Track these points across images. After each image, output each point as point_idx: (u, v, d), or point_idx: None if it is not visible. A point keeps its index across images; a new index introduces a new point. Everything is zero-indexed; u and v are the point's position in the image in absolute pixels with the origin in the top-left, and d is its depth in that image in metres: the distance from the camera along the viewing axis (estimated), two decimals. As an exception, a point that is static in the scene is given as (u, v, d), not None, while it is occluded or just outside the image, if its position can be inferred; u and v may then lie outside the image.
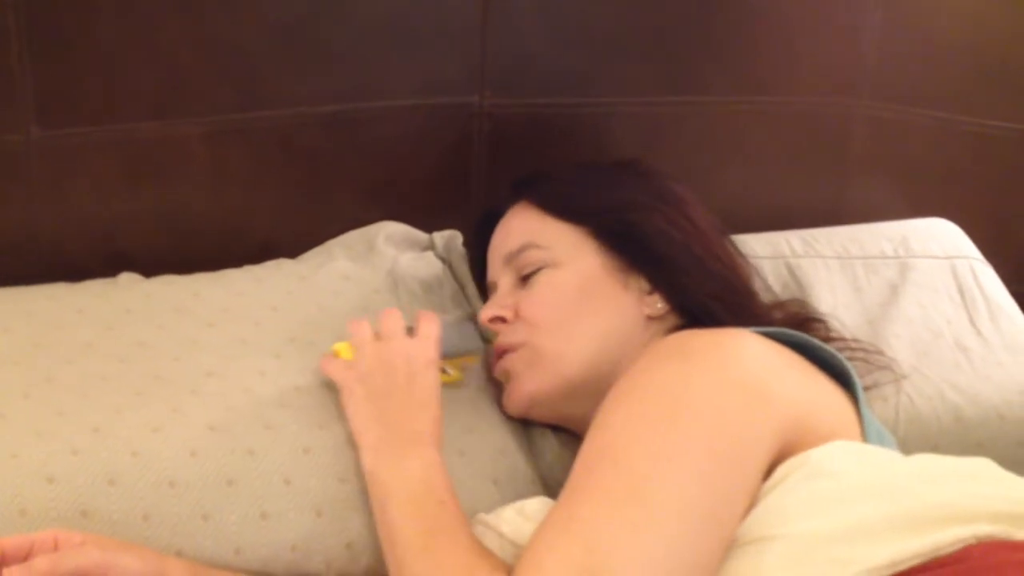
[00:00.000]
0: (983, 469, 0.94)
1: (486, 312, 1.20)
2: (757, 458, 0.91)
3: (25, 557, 0.89)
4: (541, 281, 1.18)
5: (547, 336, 1.15)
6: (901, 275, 1.43)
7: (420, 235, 1.40)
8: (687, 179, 1.45)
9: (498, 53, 1.38)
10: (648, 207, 1.21)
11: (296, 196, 1.38)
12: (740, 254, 1.27)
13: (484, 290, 1.31)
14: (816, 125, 1.53)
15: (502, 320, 1.18)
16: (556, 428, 1.22)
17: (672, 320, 1.17)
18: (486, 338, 1.20)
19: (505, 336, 1.18)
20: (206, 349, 1.18)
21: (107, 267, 1.28)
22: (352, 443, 1.09)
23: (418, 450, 1.05)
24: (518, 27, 1.38)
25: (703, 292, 1.17)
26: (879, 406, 1.27)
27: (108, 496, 1.01)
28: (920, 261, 1.45)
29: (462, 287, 1.36)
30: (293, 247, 1.36)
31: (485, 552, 0.98)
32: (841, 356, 1.06)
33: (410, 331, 1.13)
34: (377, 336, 1.13)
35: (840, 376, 1.06)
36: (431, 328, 1.14)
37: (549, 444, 1.21)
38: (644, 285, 1.18)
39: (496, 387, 1.24)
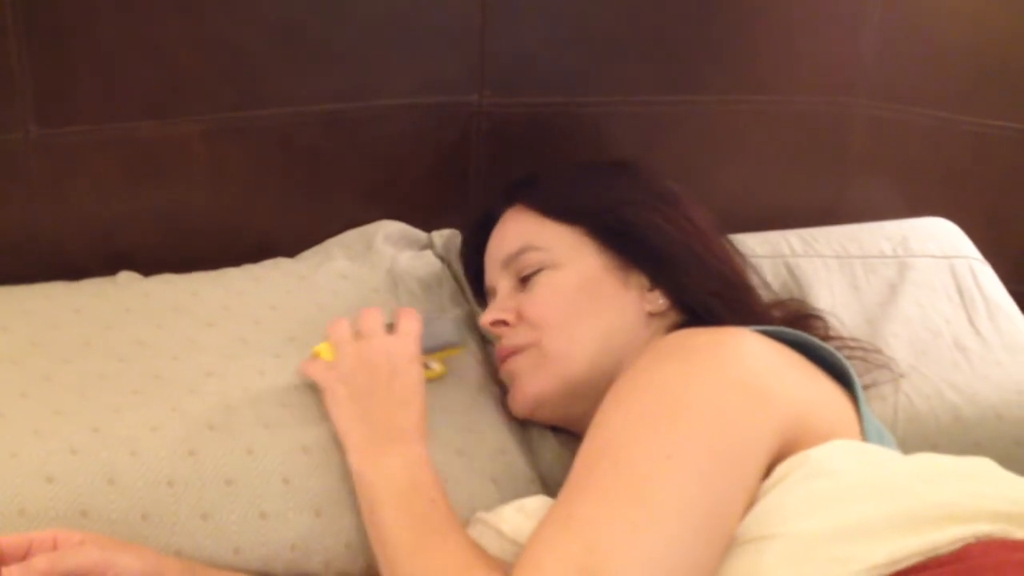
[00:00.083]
0: (983, 468, 0.94)
1: (487, 316, 1.20)
2: (757, 457, 0.91)
3: (24, 556, 0.90)
4: (542, 282, 1.18)
5: (552, 336, 1.15)
6: (900, 274, 1.43)
7: (419, 234, 1.40)
8: (686, 178, 1.45)
9: (497, 52, 1.38)
10: (645, 204, 1.21)
11: (295, 195, 1.37)
12: (737, 252, 1.27)
13: (480, 296, 1.32)
14: (815, 125, 1.53)
15: (504, 323, 1.18)
16: (556, 428, 1.22)
17: (673, 317, 1.17)
18: (488, 339, 1.20)
19: (509, 338, 1.17)
20: (205, 348, 1.18)
21: (106, 266, 1.28)
22: (348, 443, 1.09)
23: (404, 448, 1.05)
24: (517, 27, 1.38)
25: (703, 288, 1.17)
26: (878, 405, 1.27)
27: (107, 495, 1.01)
28: (919, 260, 1.45)
29: (461, 286, 1.36)
30: (292, 246, 1.36)
31: (480, 551, 0.98)
32: (840, 355, 1.06)
33: (390, 328, 1.13)
34: (357, 335, 1.12)
35: (840, 375, 1.06)
36: (411, 324, 1.13)
37: (549, 444, 1.22)
38: (644, 282, 1.18)
39: (497, 386, 1.25)
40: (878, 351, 1.31)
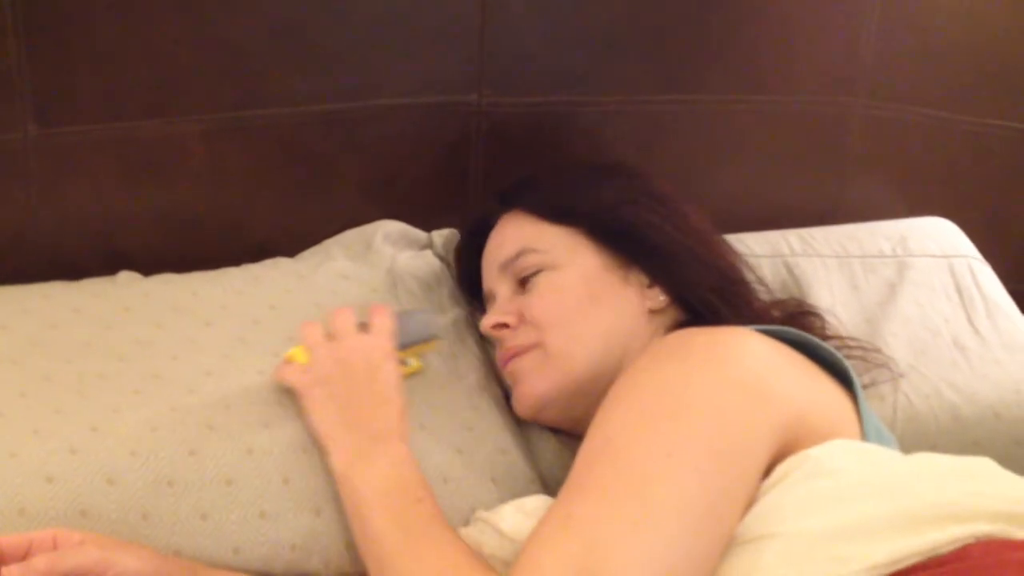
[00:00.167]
0: (983, 468, 0.94)
1: (488, 320, 1.20)
2: (756, 456, 0.91)
3: (24, 556, 0.90)
4: (542, 283, 1.18)
5: (554, 335, 1.14)
6: (899, 274, 1.44)
7: (418, 234, 1.40)
8: (686, 178, 1.46)
9: (496, 52, 1.38)
10: (640, 204, 1.22)
11: (295, 195, 1.37)
12: (733, 250, 1.28)
13: (475, 303, 1.32)
14: (814, 124, 1.53)
15: (505, 326, 1.18)
16: (557, 429, 1.22)
17: (673, 314, 1.18)
18: (489, 342, 1.20)
19: (512, 340, 1.17)
20: (205, 348, 1.18)
21: (105, 266, 1.28)
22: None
23: (388, 447, 1.05)
24: (517, 26, 1.38)
25: (701, 284, 1.18)
26: (877, 405, 1.27)
27: (107, 495, 1.01)
28: (918, 260, 1.46)
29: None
30: (292, 246, 1.36)
31: (471, 551, 0.98)
32: (840, 355, 1.06)
33: (363, 327, 1.12)
34: (330, 336, 1.12)
35: (840, 374, 1.06)
36: (384, 321, 1.13)
37: (549, 444, 1.22)
38: (643, 279, 1.18)
39: (497, 386, 1.25)
40: (877, 350, 1.31)
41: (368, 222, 1.38)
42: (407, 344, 1.16)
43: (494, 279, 1.23)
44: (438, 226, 1.41)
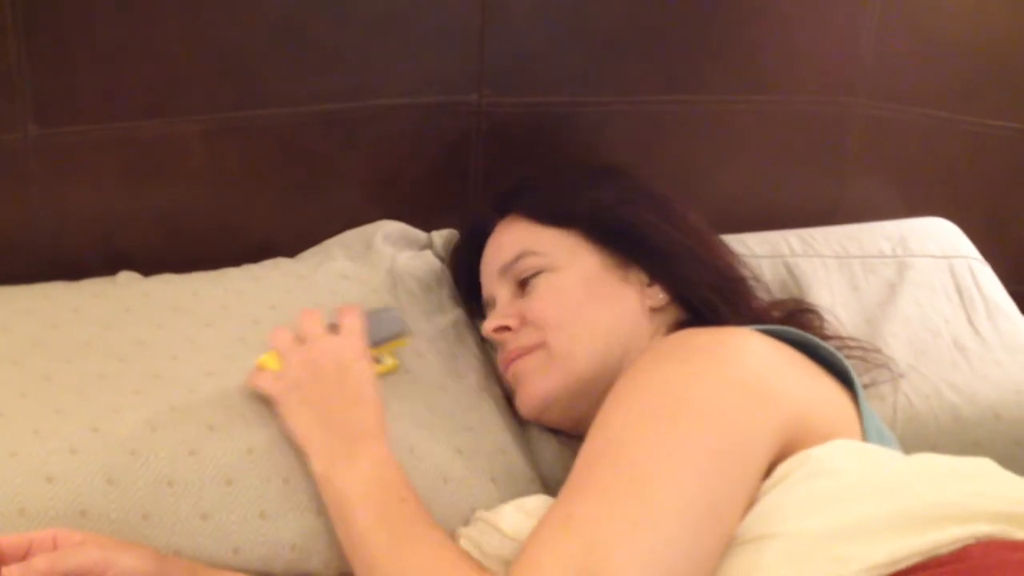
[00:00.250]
0: (983, 469, 0.94)
1: (489, 324, 1.20)
2: (757, 457, 0.91)
3: (24, 556, 0.89)
4: (543, 284, 1.18)
5: (557, 335, 1.14)
6: (899, 274, 1.44)
7: (418, 234, 1.40)
8: (686, 178, 1.47)
9: (496, 52, 1.38)
10: (637, 203, 1.23)
11: (295, 195, 1.37)
12: (731, 250, 1.28)
13: (473, 310, 1.32)
14: (814, 124, 1.53)
15: (507, 329, 1.18)
16: (557, 430, 1.22)
17: (674, 312, 1.18)
18: (489, 343, 1.20)
19: (514, 342, 1.17)
20: (205, 348, 1.18)
21: (105, 266, 1.28)
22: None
23: (365, 447, 1.04)
24: (516, 26, 1.38)
25: (700, 281, 1.18)
26: (877, 405, 1.27)
27: (107, 495, 1.01)
28: (918, 260, 1.45)
29: (461, 286, 1.36)
30: (292, 246, 1.36)
31: (461, 550, 0.98)
32: (840, 354, 1.06)
33: (333, 328, 1.12)
34: (300, 340, 1.11)
35: (840, 374, 1.06)
36: (353, 321, 1.12)
37: (549, 444, 1.22)
38: (643, 278, 1.18)
39: (497, 386, 1.25)
40: (877, 350, 1.31)
41: (368, 222, 1.38)
42: (378, 342, 1.15)
43: (494, 284, 1.23)
44: (438, 226, 1.41)
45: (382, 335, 1.16)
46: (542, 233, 1.21)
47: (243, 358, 1.16)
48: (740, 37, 1.46)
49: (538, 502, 1.07)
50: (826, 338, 1.22)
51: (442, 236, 1.40)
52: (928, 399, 1.31)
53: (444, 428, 1.16)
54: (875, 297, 1.41)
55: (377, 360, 1.16)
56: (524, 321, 1.17)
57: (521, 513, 1.05)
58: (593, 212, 1.21)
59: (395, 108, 1.36)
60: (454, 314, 1.31)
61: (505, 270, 1.21)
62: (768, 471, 0.92)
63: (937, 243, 1.49)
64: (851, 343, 1.28)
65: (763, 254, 1.42)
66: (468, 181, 1.44)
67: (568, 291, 1.17)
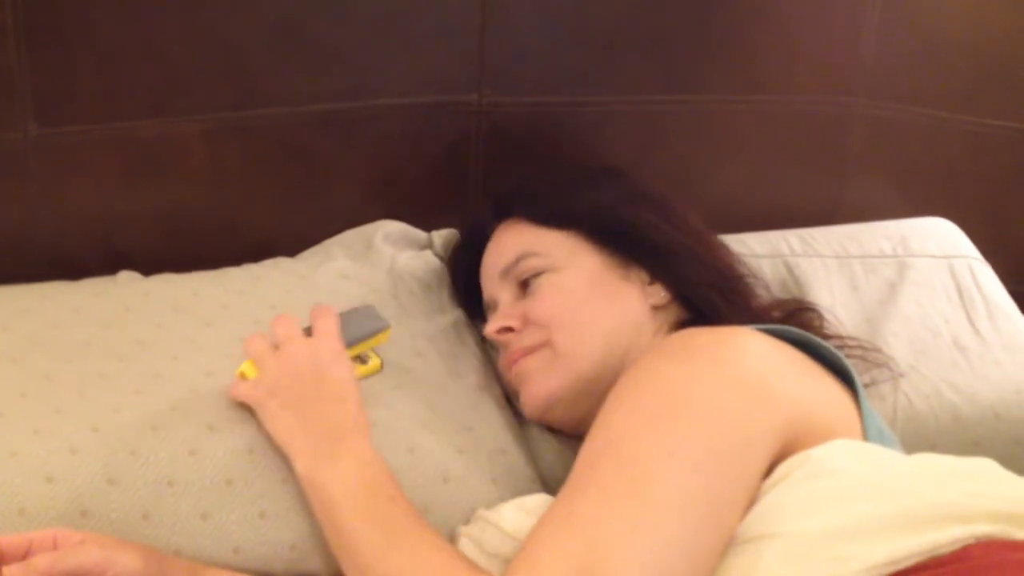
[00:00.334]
0: (984, 469, 0.94)
1: (492, 325, 1.19)
2: (757, 456, 0.91)
3: (24, 556, 0.89)
4: (546, 284, 1.18)
5: (561, 333, 1.14)
6: (899, 274, 1.44)
7: (418, 233, 1.40)
8: (686, 178, 1.47)
9: (496, 51, 1.38)
10: (636, 203, 1.23)
11: (294, 194, 1.37)
12: (729, 250, 1.28)
13: (473, 314, 1.32)
14: (814, 124, 1.53)
15: (510, 330, 1.18)
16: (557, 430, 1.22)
17: (675, 311, 1.18)
18: (489, 343, 1.20)
19: (518, 342, 1.17)
20: (205, 348, 1.17)
21: (105, 265, 1.28)
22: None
23: (348, 446, 1.03)
24: (517, 26, 1.38)
25: (701, 280, 1.18)
26: (877, 404, 1.27)
27: (107, 495, 1.01)
28: (918, 260, 1.46)
29: (461, 286, 1.36)
30: (292, 246, 1.36)
31: (454, 549, 0.97)
32: (840, 354, 1.07)
33: (308, 331, 1.11)
34: (276, 346, 1.11)
35: (841, 373, 1.06)
36: (328, 322, 1.12)
37: (549, 444, 1.22)
38: (644, 277, 1.19)
39: (498, 386, 1.25)
40: (877, 350, 1.31)
41: (368, 222, 1.38)
42: (357, 340, 1.15)
43: (495, 286, 1.23)
44: (438, 226, 1.41)
45: (359, 333, 1.15)
46: (542, 235, 1.21)
47: (243, 358, 1.16)
48: (740, 37, 1.46)
49: (539, 501, 1.07)
50: (826, 337, 1.22)
51: (442, 236, 1.40)
52: (928, 399, 1.31)
53: (444, 428, 1.16)
54: (875, 297, 1.41)
55: (360, 360, 1.16)
56: (527, 322, 1.17)
57: (522, 512, 1.05)
58: (593, 213, 1.21)
59: (395, 108, 1.36)
60: (454, 314, 1.31)
61: (507, 272, 1.21)
62: (769, 471, 0.92)
63: (937, 243, 1.49)
64: (851, 342, 1.28)
65: (763, 254, 1.42)
66: (468, 181, 1.44)
67: (571, 290, 1.17)
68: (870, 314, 1.38)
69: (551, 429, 1.22)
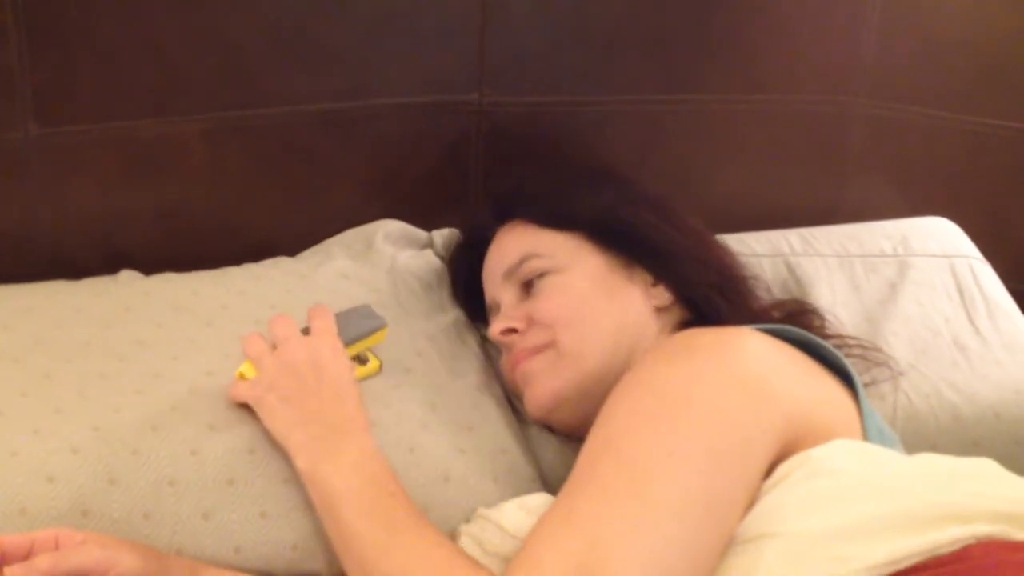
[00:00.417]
0: (984, 469, 0.94)
1: (496, 326, 1.19)
2: (758, 456, 0.91)
3: (26, 556, 0.89)
4: (549, 285, 1.18)
5: (567, 334, 1.14)
6: (900, 273, 1.44)
7: (419, 233, 1.40)
8: (686, 178, 1.47)
9: (497, 51, 1.38)
10: (638, 204, 1.23)
11: (295, 194, 1.37)
12: (729, 251, 1.29)
13: (474, 317, 1.32)
14: (814, 124, 1.53)
15: (514, 331, 1.18)
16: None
17: (678, 312, 1.18)
18: (490, 342, 1.20)
19: (522, 343, 1.17)
20: (205, 348, 1.17)
21: (106, 265, 1.28)
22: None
23: (349, 441, 1.03)
24: (517, 26, 1.38)
25: (704, 281, 1.19)
26: (877, 404, 1.28)
27: (108, 495, 1.01)
28: (919, 260, 1.46)
29: (462, 285, 1.36)
30: (292, 245, 1.36)
31: (454, 546, 0.97)
32: (840, 354, 1.07)
33: (306, 331, 1.12)
34: (274, 345, 1.11)
35: (841, 373, 1.06)
36: (325, 321, 1.12)
37: (549, 443, 1.22)
38: (647, 278, 1.19)
39: (498, 386, 1.25)
40: (877, 349, 1.31)
41: (368, 221, 1.38)
42: (354, 339, 1.15)
43: (498, 288, 1.22)
44: (438, 225, 1.41)
45: (357, 332, 1.15)
46: (545, 236, 1.21)
47: (243, 358, 1.16)
48: (740, 37, 1.46)
49: (540, 500, 1.07)
50: (826, 337, 1.23)
51: (443, 235, 1.40)
52: (928, 398, 1.31)
53: (445, 427, 1.16)
54: (876, 296, 1.41)
55: (359, 360, 1.16)
56: (531, 322, 1.17)
57: (523, 511, 1.05)
58: (596, 214, 1.21)
59: (395, 108, 1.36)
60: (455, 313, 1.31)
61: (510, 273, 1.21)
62: (769, 471, 0.92)
63: (938, 242, 1.49)
64: (851, 342, 1.28)
65: (764, 253, 1.43)
66: (468, 180, 1.44)
67: (575, 290, 1.17)
68: (871, 313, 1.38)
69: (552, 429, 1.22)
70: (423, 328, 1.26)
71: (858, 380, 1.05)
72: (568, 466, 0.93)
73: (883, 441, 1.01)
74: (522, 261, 1.20)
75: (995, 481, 0.93)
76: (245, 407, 1.10)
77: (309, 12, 1.29)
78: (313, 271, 1.30)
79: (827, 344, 1.07)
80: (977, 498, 0.88)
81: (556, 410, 1.15)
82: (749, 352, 0.97)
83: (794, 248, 1.45)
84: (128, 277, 1.27)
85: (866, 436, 1.00)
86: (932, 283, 1.43)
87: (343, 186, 1.39)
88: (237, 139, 1.32)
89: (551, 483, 1.19)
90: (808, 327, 1.21)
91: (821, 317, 1.29)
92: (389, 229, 1.37)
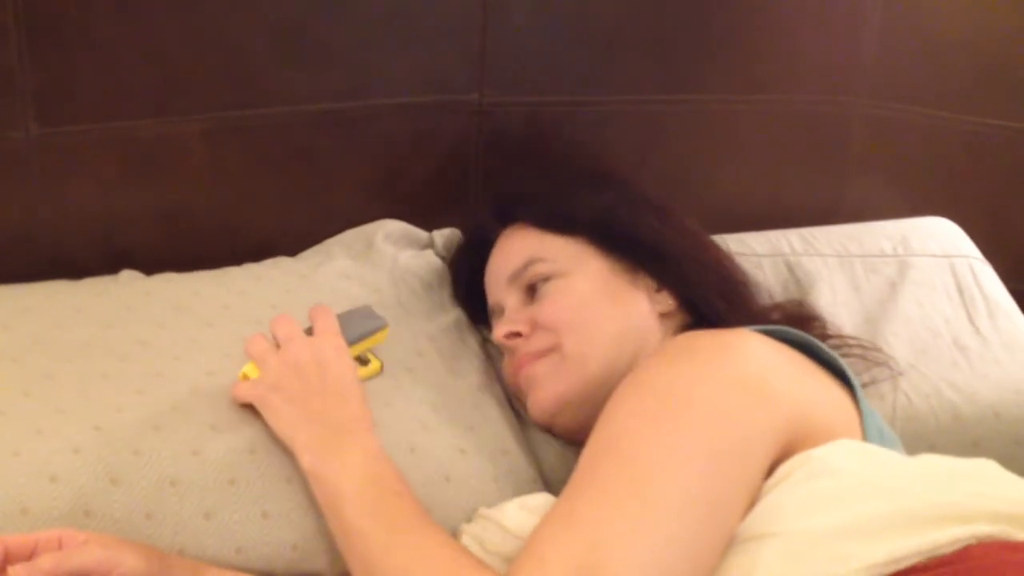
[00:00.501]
0: (984, 469, 0.94)
1: (500, 330, 1.19)
2: (758, 456, 0.92)
3: (29, 556, 0.89)
4: (553, 289, 1.18)
5: (572, 338, 1.14)
6: (900, 273, 1.44)
7: (420, 233, 1.40)
8: (686, 178, 1.47)
9: (497, 51, 1.38)
10: (640, 210, 1.23)
11: (295, 194, 1.37)
12: (729, 255, 1.29)
13: (475, 318, 1.32)
14: (815, 124, 1.53)
15: (518, 335, 1.18)
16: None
17: (681, 317, 1.19)
18: (491, 343, 1.20)
19: (526, 347, 1.17)
20: (206, 348, 1.17)
21: (106, 265, 1.28)
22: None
23: (354, 440, 1.03)
24: (517, 25, 1.38)
25: (707, 287, 1.19)
26: (876, 404, 1.27)
27: (110, 495, 1.00)
28: (919, 260, 1.46)
29: (462, 285, 1.36)
30: (292, 245, 1.36)
31: (459, 546, 0.97)
32: (838, 357, 1.07)
33: (308, 331, 1.12)
34: (277, 345, 1.11)
35: (840, 374, 1.06)
36: (327, 321, 1.12)
37: (550, 444, 1.22)
38: (651, 284, 1.19)
39: (499, 386, 1.25)
40: (877, 349, 1.31)
41: (369, 221, 1.38)
42: (356, 340, 1.15)
43: (502, 291, 1.22)
44: (439, 225, 1.41)
45: (358, 333, 1.15)
46: (549, 240, 1.21)
47: (244, 358, 1.16)
48: (740, 37, 1.46)
49: (541, 499, 1.07)
50: (826, 338, 1.23)
51: (443, 235, 1.40)
52: (928, 398, 1.31)
53: (446, 427, 1.16)
54: (876, 296, 1.41)
55: (360, 361, 1.16)
56: (535, 326, 1.17)
57: (524, 510, 1.05)
58: (599, 219, 1.21)
59: (396, 107, 1.36)
60: (455, 313, 1.31)
61: (514, 277, 1.21)
62: (770, 471, 0.92)
63: (938, 242, 1.49)
64: (851, 342, 1.29)
65: (764, 253, 1.43)
66: (468, 181, 1.44)
67: (580, 295, 1.17)
68: (871, 313, 1.38)
69: (553, 434, 1.22)
70: (424, 328, 1.26)
71: (856, 381, 1.06)
72: (569, 467, 0.94)
73: (883, 442, 1.01)
74: (527, 265, 1.20)
75: (995, 481, 0.94)
76: (247, 407, 1.09)
77: (309, 12, 1.29)
78: (314, 271, 1.30)
79: (824, 346, 1.07)
80: (977, 498, 0.89)
81: (560, 414, 1.15)
82: (749, 353, 0.97)
83: (794, 248, 1.45)
84: (129, 277, 1.27)
85: (866, 436, 1.00)
86: (932, 283, 1.43)
87: (343, 186, 1.39)
88: (237, 139, 1.32)
89: (552, 484, 1.19)
90: (807, 328, 1.21)
91: (820, 318, 1.29)
92: (390, 229, 1.37)
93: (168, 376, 1.13)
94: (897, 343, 1.35)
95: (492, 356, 1.29)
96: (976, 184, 1.57)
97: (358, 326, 1.16)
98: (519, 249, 1.22)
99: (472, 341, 1.29)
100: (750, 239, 1.44)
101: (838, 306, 1.37)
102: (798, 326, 1.16)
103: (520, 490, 1.15)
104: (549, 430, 1.20)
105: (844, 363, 1.06)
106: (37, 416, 1.06)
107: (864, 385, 1.24)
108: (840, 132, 1.54)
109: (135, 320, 1.20)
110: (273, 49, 1.29)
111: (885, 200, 1.57)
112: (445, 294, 1.33)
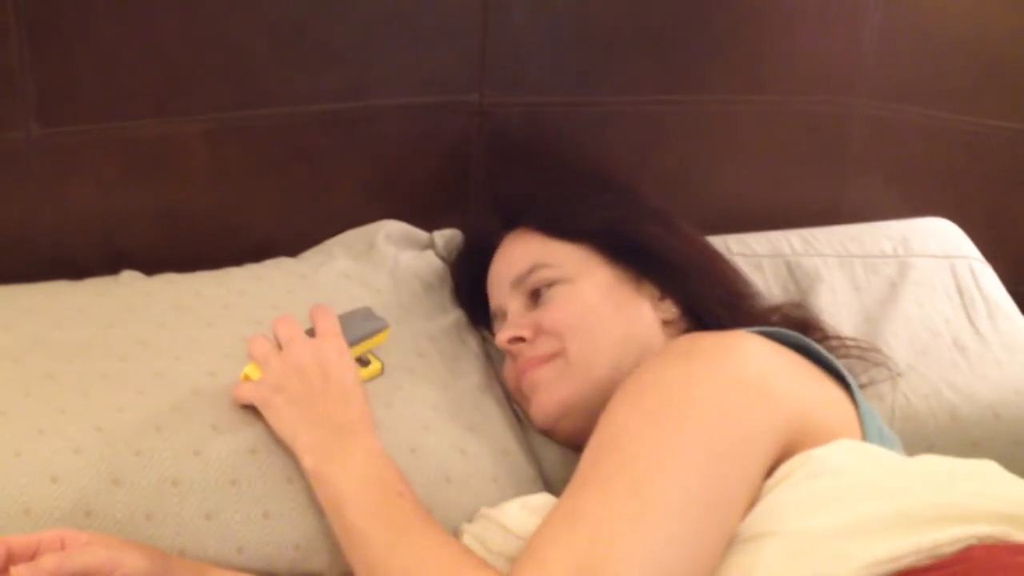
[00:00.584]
0: (985, 470, 0.94)
1: (504, 334, 1.19)
2: (758, 456, 0.92)
3: (32, 556, 0.89)
4: (559, 294, 1.18)
5: (576, 343, 1.14)
6: (900, 274, 1.44)
7: (420, 234, 1.40)
8: (686, 178, 1.47)
9: (497, 52, 1.38)
10: (645, 220, 1.24)
11: (295, 194, 1.37)
12: (730, 264, 1.29)
13: (476, 320, 1.32)
14: (815, 125, 1.53)
15: (521, 339, 1.18)
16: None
17: (684, 325, 1.19)
18: (491, 343, 1.20)
19: (530, 351, 1.17)
20: (207, 348, 1.17)
21: (107, 265, 1.28)
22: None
23: (356, 441, 1.03)
24: (518, 26, 1.38)
25: (711, 295, 1.19)
26: (875, 404, 1.27)
27: (112, 495, 1.01)
28: (919, 260, 1.46)
29: (463, 286, 1.36)
30: (293, 246, 1.36)
31: (462, 546, 0.97)
32: (833, 357, 1.07)
33: (310, 333, 1.12)
34: (278, 346, 1.11)
35: (839, 375, 1.06)
36: (329, 322, 1.12)
37: (551, 444, 1.21)
38: (655, 292, 1.19)
39: (500, 386, 1.25)
40: (876, 350, 1.31)
41: (369, 222, 1.38)
42: (357, 341, 1.15)
43: (505, 296, 1.22)
44: (439, 226, 1.41)
45: (359, 334, 1.16)
46: (553, 246, 1.21)
47: (245, 358, 1.16)
48: (740, 37, 1.46)
49: (543, 499, 1.07)
50: (826, 338, 1.23)
51: (444, 236, 1.40)
52: (927, 399, 1.31)
53: (446, 428, 1.16)
54: (876, 297, 1.41)
55: (361, 362, 1.16)
56: (539, 331, 1.17)
57: (525, 510, 1.05)
58: (604, 227, 1.22)
59: (396, 108, 1.36)
60: (456, 314, 1.31)
61: (518, 282, 1.21)
62: (770, 470, 0.93)
63: (938, 243, 1.49)
64: (850, 343, 1.29)
65: (764, 253, 1.43)
66: (469, 181, 1.44)
67: (584, 300, 1.17)
68: (871, 314, 1.39)
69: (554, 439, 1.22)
70: (424, 329, 1.26)
71: (854, 383, 1.06)
72: (570, 468, 0.94)
73: (883, 442, 1.01)
74: (531, 270, 1.20)
75: (995, 482, 0.94)
76: (248, 407, 1.10)
77: (309, 12, 1.29)
78: (314, 271, 1.30)
79: (821, 348, 1.07)
80: (977, 498, 0.89)
81: (563, 419, 1.15)
82: (749, 354, 0.98)
83: (795, 248, 1.45)
84: (129, 277, 1.27)
85: (866, 437, 1.01)
86: (932, 284, 1.43)
87: (343, 186, 1.39)
88: (238, 139, 1.32)
89: (552, 484, 1.19)
90: (806, 331, 1.22)
91: (819, 321, 1.29)
92: (390, 229, 1.37)
93: (169, 376, 1.13)
94: (897, 343, 1.35)
95: (492, 357, 1.29)
96: (976, 184, 1.57)
97: (359, 327, 1.16)
98: (523, 254, 1.22)
99: (472, 342, 1.29)
100: (750, 239, 1.44)
101: (838, 306, 1.38)
102: (797, 329, 1.17)
103: (521, 490, 1.15)
104: (550, 435, 1.20)
105: (840, 365, 1.06)
106: (38, 416, 1.06)
107: (863, 386, 1.25)
108: (840, 132, 1.54)
109: (136, 320, 1.20)
110: (273, 49, 1.29)
111: (885, 200, 1.57)
112: (446, 295, 1.33)
